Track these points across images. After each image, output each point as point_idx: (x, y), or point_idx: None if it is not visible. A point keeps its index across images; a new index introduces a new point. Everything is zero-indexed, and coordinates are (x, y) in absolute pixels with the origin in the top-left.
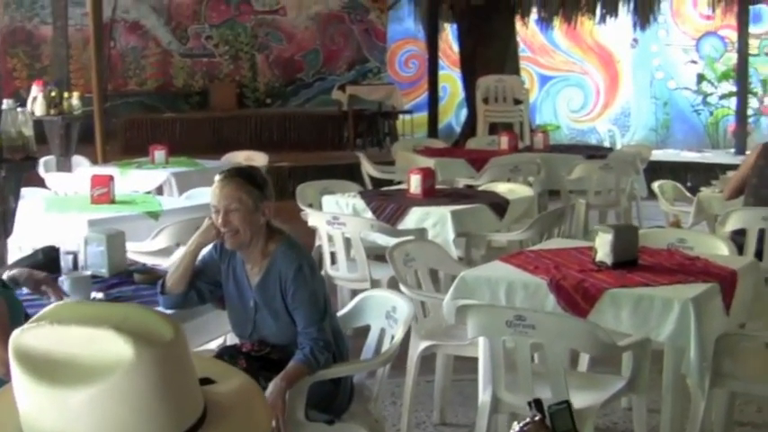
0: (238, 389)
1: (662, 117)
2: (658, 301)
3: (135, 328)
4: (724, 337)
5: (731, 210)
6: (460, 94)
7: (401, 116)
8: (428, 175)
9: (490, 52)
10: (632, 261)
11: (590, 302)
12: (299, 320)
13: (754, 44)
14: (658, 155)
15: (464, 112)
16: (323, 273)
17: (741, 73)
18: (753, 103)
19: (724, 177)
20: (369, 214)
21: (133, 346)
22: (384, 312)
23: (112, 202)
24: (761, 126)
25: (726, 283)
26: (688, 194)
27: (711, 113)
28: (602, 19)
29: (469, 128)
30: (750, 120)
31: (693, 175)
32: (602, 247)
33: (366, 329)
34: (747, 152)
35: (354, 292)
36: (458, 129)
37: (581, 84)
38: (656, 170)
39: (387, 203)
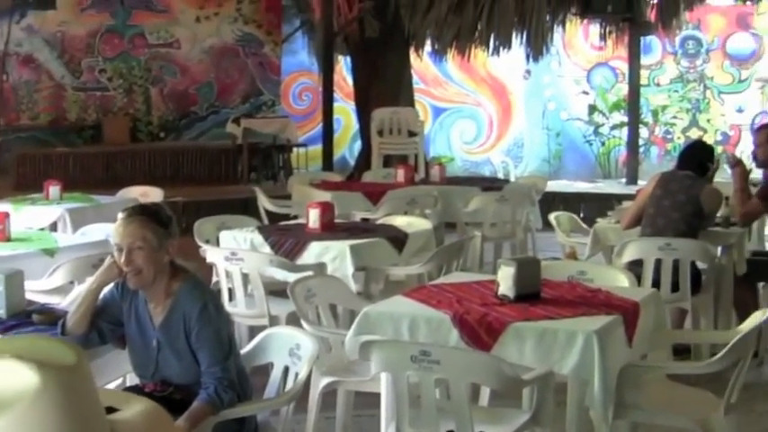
0: (143, 414)
1: (554, 148)
2: (562, 334)
3: (37, 355)
4: (627, 369)
5: (628, 240)
6: (354, 126)
7: (295, 149)
8: (327, 209)
9: (384, 84)
10: (535, 294)
11: (493, 336)
12: (202, 360)
13: (644, 75)
14: (551, 185)
15: (358, 145)
16: None
17: (632, 103)
18: (643, 133)
19: (620, 208)
20: (267, 249)
21: (38, 372)
22: (288, 350)
23: (8, 239)
24: (651, 156)
25: (628, 315)
26: (584, 225)
27: (603, 144)
28: (496, 51)
29: (364, 160)
30: (641, 150)
31: (586, 206)
32: (505, 280)
33: (267, 367)
34: (641, 182)
35: (252, 329)
36: (352, 161)
37: (474, 115)
38: (550, 201)
39: (285, 238)
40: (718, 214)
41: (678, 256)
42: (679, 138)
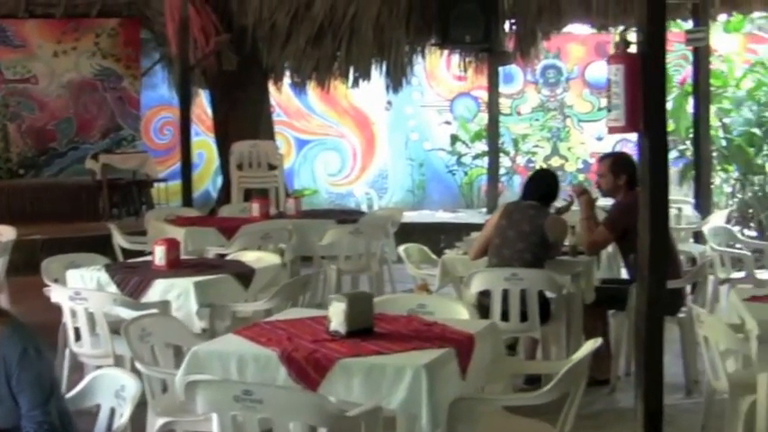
0: None
1: (418, 178)
2: (390, 369)
3: None
4: (458, 402)
5: (475, 271)
6: (217, 160)
7: (157, 184)
8: (172, 245)
9: (244, 117)
10: (367, 329)
11: (321, 373)
12: (23, 403)
13: (506, 104)
14: (413, 216)
15: (221, 179)
16: (67, 350)
17: (492, 133)
18: (505, 162)
19: (468, 239)
20: (113, 288)
21: None
22: (114, 391)
23: None
24: (514, 185)
25: (462, 348)
26: (434, 257)
27: (466, 173)
28: (355, 83)
29: (225, 195)
30: (503, 179)
31: (447, 236)
32: (336, 315)
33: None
34: None
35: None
36: (215, 195)
37: (338, 147)
38: (410, 232)
39: (131, 276)
40: (566, 243)
41: (525, 286)
42: (541, 166)
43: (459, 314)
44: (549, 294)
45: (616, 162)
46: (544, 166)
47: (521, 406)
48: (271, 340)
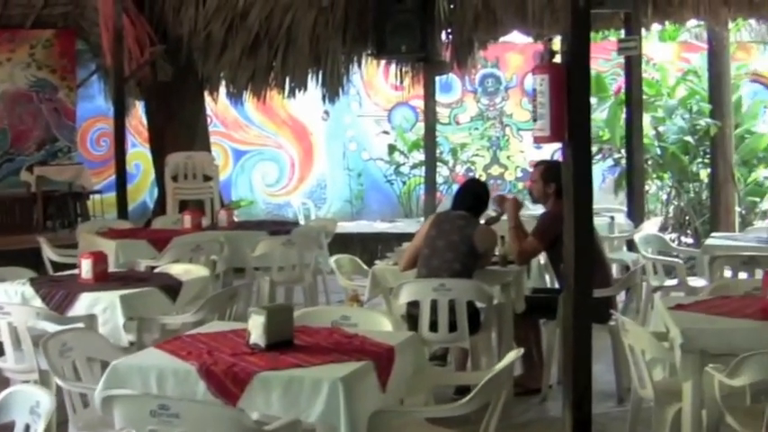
0: None
1: (356, 188)
2: (308, 382)
3: None
4: (378, 414)
5: (403, 282)
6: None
7: (93, 196)
8: (99, 258)
9: (179, 128)
10: (287, 342)
11: (240, 387)
12: None
13: (444, 113)
14: (351, 226)
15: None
16: None
17: (429, 142)
18: (444, 171)
19: (399, 249)
20: (38, 302)
21: None
22: (29, 407)
23: None
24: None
25: (381, 360)
26: (366, 268)
27: (404, 183)
28: (292, 93)
29: (160, 206)
30: (441, 188)
31: (384, 246)
32: (256, 328)
33: (11, 425)
34: None
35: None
36: (153, 207)
37: (276, 158)
38: (348, 242)
39: (56, 290)
40: (497, 253)
41: (453, 297)
42: (481, 175)
43: (382, 326)
44: (478, 304)
45: (547, 170)
46: (483, 175)
47: (448, 417)
48: (191, 354)
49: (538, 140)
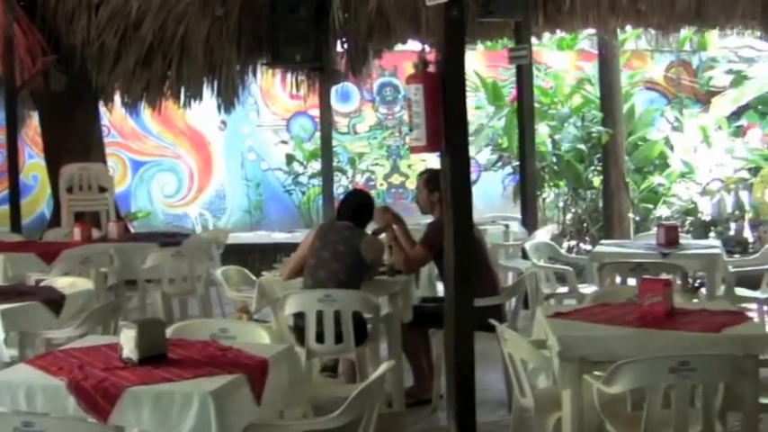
0: None
1: (255, 198)
2: (179, 397)
3: None
4: (251, 428)
5: (288, 293)
6: None
7: None
8: None
9: (74, 139)
10: (161, 356)
11: (111, 403)
12: None
13: (343, 122)
14: (249, 237)
15: None
16: None
17: (325, 152)
18: (343, 180)
19: (286, 260)
20: None
21: None
22: None
23: None
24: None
25: (255, 373)
26: (254, 278)
27: (304, 193)
28: (187, 103)
29: (56, 218)
30: (340, 198)
31: (283, 256)
32: (128, 343)
33: None
34: None
35: None
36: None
37: (174, 168)
38: (246, 253)
39: None
40: (385, 263)
41: (339, 307)
42: (382, 184)
43: (260, 338)
44: (365, 315)
45: (429, 179)
46: (384, 184)
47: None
48: (62, 369)
49: (414, 150)
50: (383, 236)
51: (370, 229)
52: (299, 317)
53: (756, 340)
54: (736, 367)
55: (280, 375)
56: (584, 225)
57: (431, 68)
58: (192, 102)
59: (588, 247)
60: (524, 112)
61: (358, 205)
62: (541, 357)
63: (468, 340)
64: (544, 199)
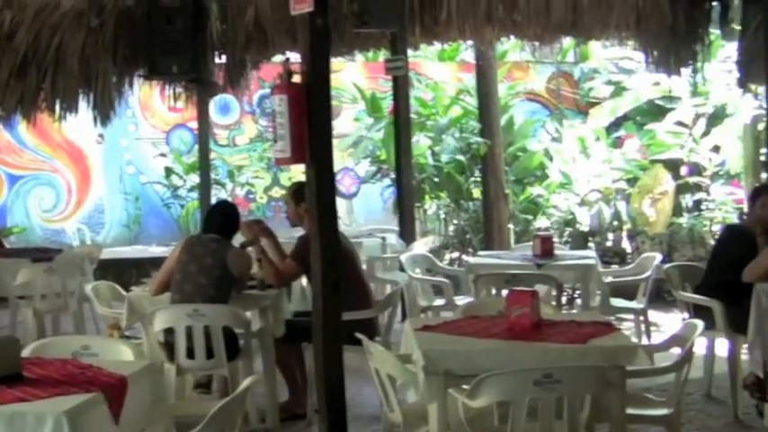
0: None
1: (134, 212)
2: (31, 417)
3: None
4: None
5: (157, 308)
6: None
7: None
8: None
9: None
10: (16, 375)
11: None
12: None
13: (223, 135)
14: (126, 251)
15: None
16: None
17: (203, 164)
18: (222, 193)
19: (155, 274)
20: None
21: None
22: None
23: None
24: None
25: (113, 391)
26: (125, 293)
27: (183, 206)
28: (63, 116)
29: None
30: None
31: (154, 271)
32: None
33: None
34: None
35: None
36: None
37: (52, 182)
38: (123, 267)
39: None
40: (256, 276)
41: (208, 323)
42: (262, 197)
43: (123, 355)
44: (237, 330)
45: (297, 191)
46: (264, 197)
47: None
48: None
49: (278, 162)
50: (251, 249)
51: (240, 242)
52: (169, 332)
53: (623, 351)
54: (601, 379)
55: (140, 393)
56: (467, 236)
57: (296, 79)
58: (68, 114)
59: (471, 259)
60: (401, 124)
61: (222, 216)
62: (407, 372)
63: (337, 355)
64: (425, 211)
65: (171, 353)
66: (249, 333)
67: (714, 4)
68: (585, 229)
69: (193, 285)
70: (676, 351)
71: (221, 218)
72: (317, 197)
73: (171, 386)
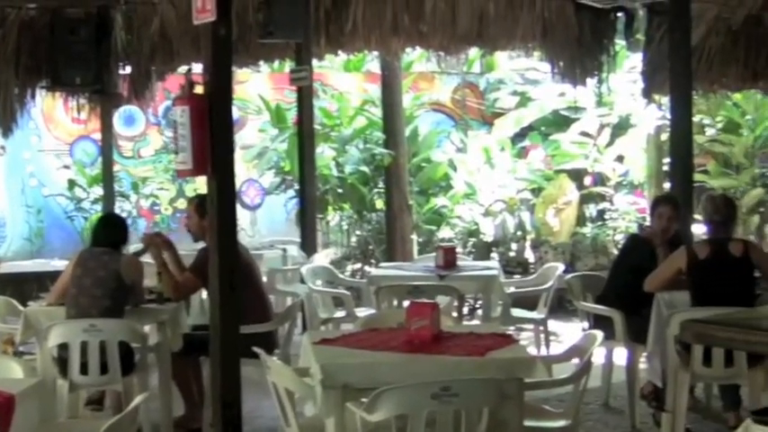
0: None
1: (36, 225)
2: None
3: None
4: None
5: (52, 324)
6: None
7: None
8: None
9: None
10: None
11: None
12: None
13: (128, 146)
14: (27, 266)
15: None
16: None
17: (107, 176)
18: (126, 205)
19: (54, 288)
20: None
21: None
22: None
23: None
24: (139, 228)
25: (0, 410)
26: (21, 308)
27: (86, 219)
28: None
29: None
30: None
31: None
32: None
33: None
34: None
35: None
36: None
37: None
38: (22, 282)
39: None
40: (156, 289)
41: (104, 338)
42: (167, 209)
43: (12, 373)
44: (134, 345)
45: (200, 204)
46: (169, 209)
47: None
48: None
49: (180, 174)
50: (148, 259)
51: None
52: (63, 348)
53: (521, 363)
54: (499, 391)
55: (29, 411)
56: (369, 247)
57: (198, 90)
58: None
59: (373, 270)
60: (305, 135)
61: (110, 227)
62: (305, 386)
63: (234, 368)
64: (328, 222)
65: (64, 368)
66: (146, 347)
67: (619, 15)
68: (489, 239)
69: (89, 298)
70: (576, 361)
71: (109, 230)
72: (217, 209)
73: (63, 403)
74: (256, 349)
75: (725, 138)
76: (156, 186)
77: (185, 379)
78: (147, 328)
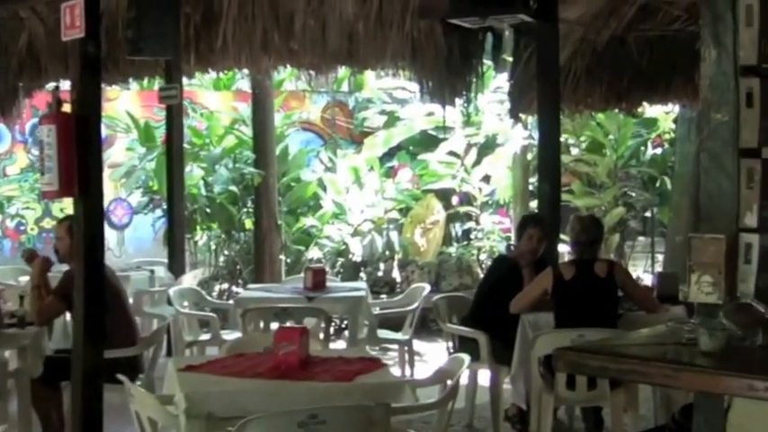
0: None
1: None
2: None
3: None
4: None
5: None
6: None
7: None
8: None
9: None
10: None
11: None
12: None
13: None
14: None
15: None
16: None
17: None
18: None
19: None
20: None
21: None
22: None
23: None
24: (5, 249)
25: None
26: None
27: None
28: None
29: None
30: None
31: None
32: None
33: None
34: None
35: None
36: None
37: None
38: None
39: None
40: (18, 313)
41: None
42: (33, 229)
43: None
44: None
45: (72, 226)
46: (35, 228)
47: None
48: None
49: (46, 196)
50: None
51: None
52: None
53: (388, 388)
54: (367, 418)
55: None
56: (237, 268)
57: (66, 108)
58: None
59: (241, 291)
60: (174, 154)
61: None
62: (168, 415)
63: (97, 394)
64: (196, 242)
65: None
66: (5, 374)
67: (487, 35)
68: (358, 259)
69: None
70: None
71: None
72: (83, 230)
73: None
74: (120, 376)
75: (589, 157)
76: (22, 206)
77: (46, 405)
78: (6, 354)
